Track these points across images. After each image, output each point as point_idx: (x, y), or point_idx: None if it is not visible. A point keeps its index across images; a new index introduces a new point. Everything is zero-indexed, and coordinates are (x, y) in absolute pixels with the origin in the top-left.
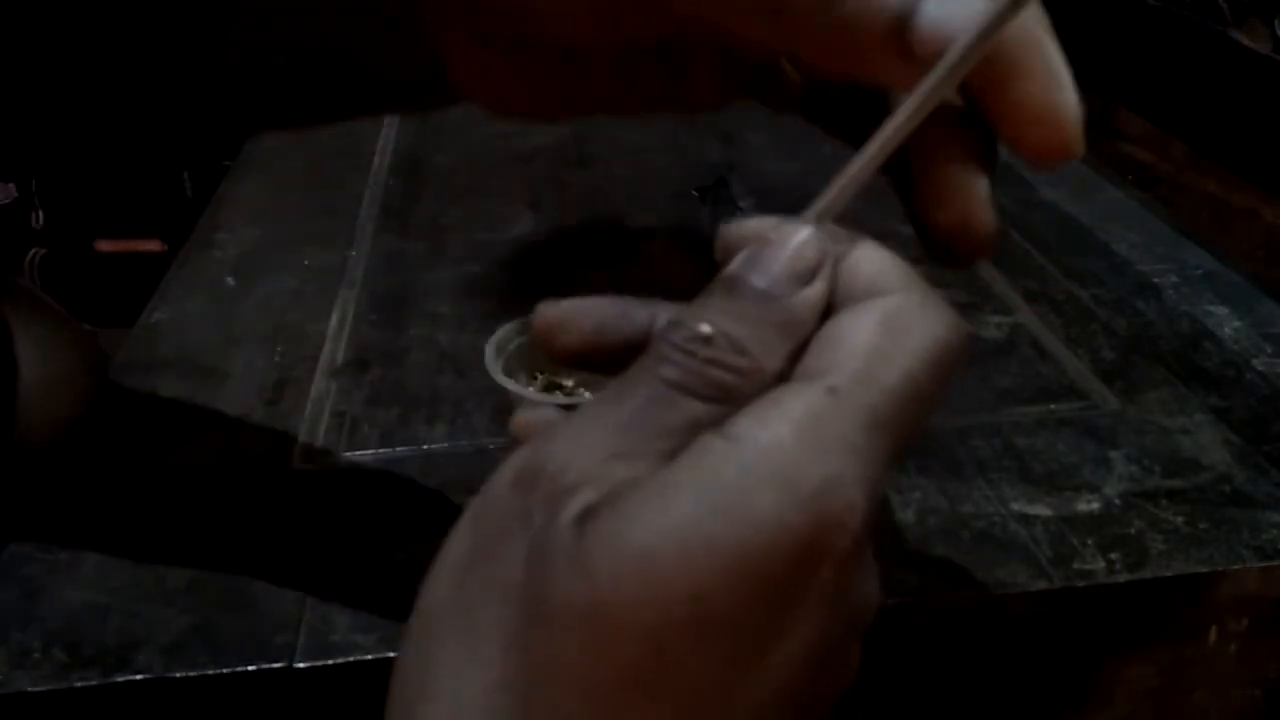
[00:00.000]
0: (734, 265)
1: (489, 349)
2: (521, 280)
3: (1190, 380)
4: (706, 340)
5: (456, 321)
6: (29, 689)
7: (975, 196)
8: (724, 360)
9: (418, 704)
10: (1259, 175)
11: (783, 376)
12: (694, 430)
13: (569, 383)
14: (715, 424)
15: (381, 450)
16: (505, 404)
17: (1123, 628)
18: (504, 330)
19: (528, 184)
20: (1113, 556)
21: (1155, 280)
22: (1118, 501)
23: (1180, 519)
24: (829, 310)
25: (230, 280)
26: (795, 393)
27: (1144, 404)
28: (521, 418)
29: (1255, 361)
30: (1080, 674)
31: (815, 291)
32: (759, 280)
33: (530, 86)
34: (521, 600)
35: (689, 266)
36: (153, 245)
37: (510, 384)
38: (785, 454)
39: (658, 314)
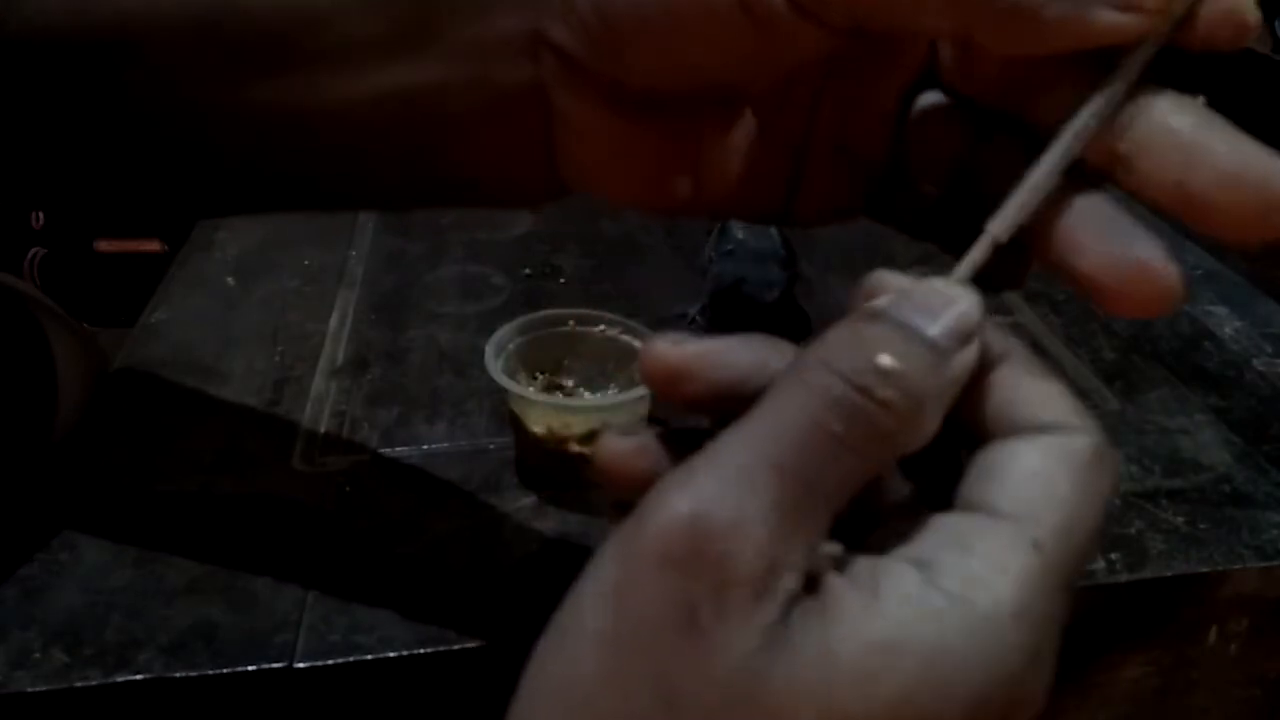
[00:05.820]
0: (884, 301)
1: (489, 349)
2: (521, 280)
3: (1190, 380)
4: (885, 376)
5: (456, 321)
6: (29, 689)
7: None
8: (898, 406)
9: None
10: None
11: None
12: (846, 489)
13: (569, 383)
14: (864, 482)
15: (381, 450)
16: (505, 404)
17: (1123, 628)
18: (504, 330)
19: None
20: (1113, 556)
21: None
22: (1118, 501)
23: (1180, 519)
24: (980, 419)
25: (230, 280)
26: (1001, 541)
27: (1144, 404)
28: (616, 447)
29: (1255, 361)
30: (1080, 674)
31: (971, 357)
32: (926, 325)
33: (656, 175)
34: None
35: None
36: (153, 245)
37: (510, 384)
38: (1003, 629)
39: (786, 357)
